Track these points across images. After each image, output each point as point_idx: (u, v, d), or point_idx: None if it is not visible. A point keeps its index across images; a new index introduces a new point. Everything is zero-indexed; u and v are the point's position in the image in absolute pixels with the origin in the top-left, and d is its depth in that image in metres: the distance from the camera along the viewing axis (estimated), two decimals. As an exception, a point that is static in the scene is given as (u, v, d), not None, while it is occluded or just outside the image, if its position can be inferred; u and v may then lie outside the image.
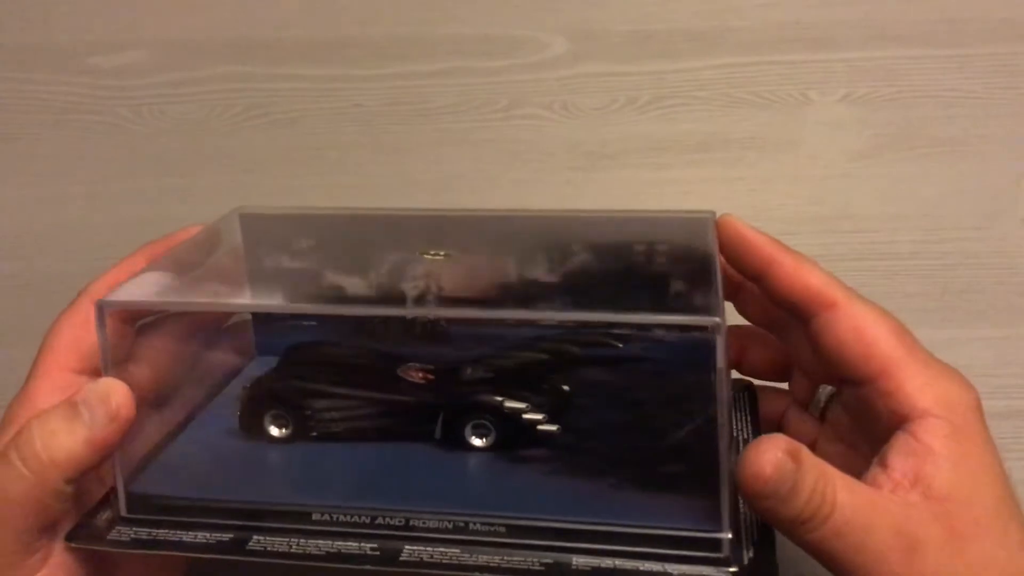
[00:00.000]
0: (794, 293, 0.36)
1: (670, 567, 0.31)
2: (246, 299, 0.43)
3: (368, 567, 0.32)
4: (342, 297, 0.41)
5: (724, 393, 0.31)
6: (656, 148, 0.52)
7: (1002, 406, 0.49)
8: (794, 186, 0.52)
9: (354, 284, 0.41)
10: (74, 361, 0.38)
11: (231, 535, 0.34)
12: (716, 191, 0.52)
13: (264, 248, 0.43)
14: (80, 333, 0.38)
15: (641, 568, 0.31)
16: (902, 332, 0.35)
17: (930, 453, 0.32)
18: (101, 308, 0.35)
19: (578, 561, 0.31)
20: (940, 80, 0.52)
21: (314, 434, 0.39)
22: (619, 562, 0.31)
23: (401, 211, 0.47)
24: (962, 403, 0.34)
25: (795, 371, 0.41)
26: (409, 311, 0.39)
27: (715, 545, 0.31)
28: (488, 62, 0.52)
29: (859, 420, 0.37)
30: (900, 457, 0.33)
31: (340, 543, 0.33)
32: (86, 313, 0.38)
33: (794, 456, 0.31)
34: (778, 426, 0.41)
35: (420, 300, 0.39)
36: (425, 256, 0.41)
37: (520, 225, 0.44)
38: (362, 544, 0.33)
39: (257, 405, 0.39)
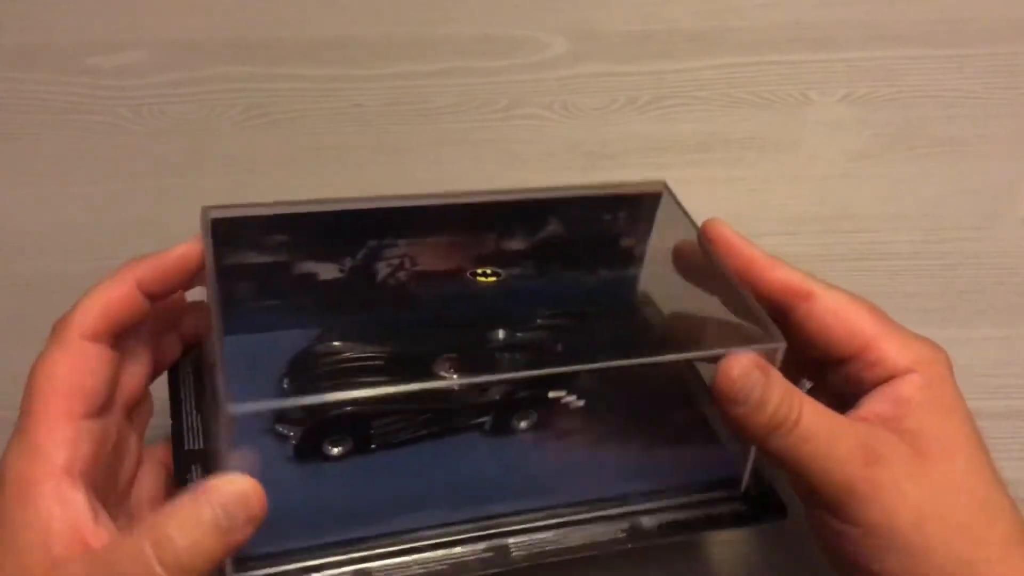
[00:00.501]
0: (775, 288, 0.39)
1: (712, 510, 0.37)
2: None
3: (493, 570, 0.35)
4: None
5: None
6: (656, 148, 0.52)
7: (1002, 406, 0.49)
8: (794, 186, 0.52)
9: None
10: (79, 407, 0.35)
11: (351, 571, 0.34)
12: (716, 191, 0.52)
13: (239, 254, 0.42)
14: (78, 375, 0.35)
15: (692, 516, 0.37)
16: (876, 310, 0.38)
17: (903, 398, 0.36)
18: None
19: (646, 521, 0.36)
20: (940, 80, 0.52)
21: (373, 447, 0.38)
22: (676, 515, 0.37)
23: (358, 200, 0.45)
24: (936, 360, 0.37)
25: None
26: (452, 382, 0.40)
27: (736, 483, 0.37)
28: (488, 62, 0.52)
29: (839, 404, 0.38)
30: (874, 402, 0.37)
31: (455, 550, 0.35)
32: (79, 350, 0.35)
33: (762, 368, 0.34)
34: None
35: (393, 276, 0.41)
36: (479, 279, 0.43)
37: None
38: (474, 546, 0.35)
39: (319, 431, 0.37)
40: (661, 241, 0.45)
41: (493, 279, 0.43)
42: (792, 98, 0.52)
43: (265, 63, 0.52)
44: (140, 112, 0.52)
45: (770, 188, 0.52)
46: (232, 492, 0.31)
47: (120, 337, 0.37)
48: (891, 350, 0.37)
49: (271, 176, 0.52)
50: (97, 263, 0.52)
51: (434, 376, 0.40)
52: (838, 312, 0.38)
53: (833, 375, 0.39)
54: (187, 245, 0.38)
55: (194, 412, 0.40)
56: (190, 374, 0.41)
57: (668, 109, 0.52)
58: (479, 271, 0.43)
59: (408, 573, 0.34)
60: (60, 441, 0.34)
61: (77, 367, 0.35)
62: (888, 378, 0.37)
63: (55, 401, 0.35)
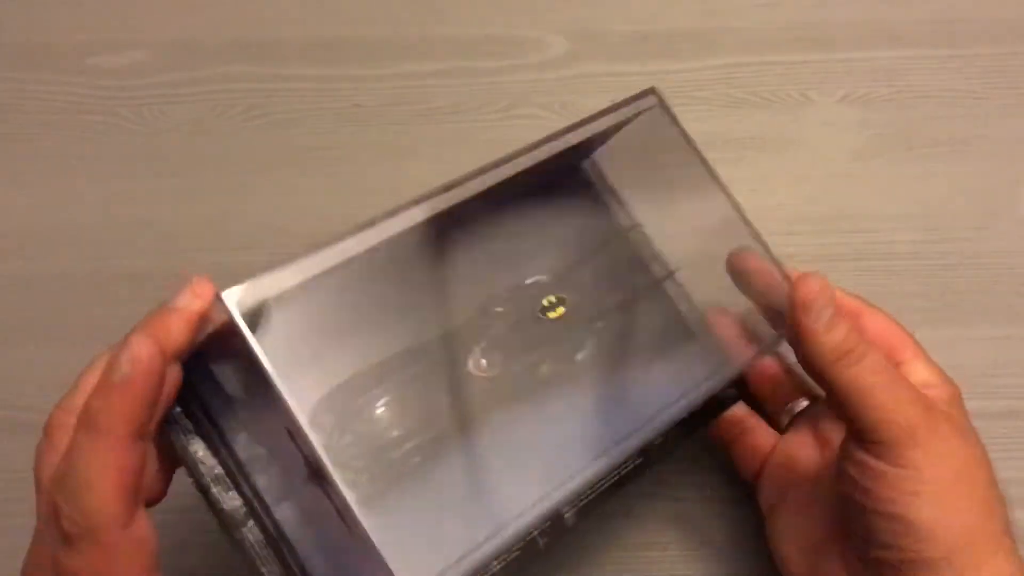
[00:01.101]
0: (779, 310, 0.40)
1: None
2: None
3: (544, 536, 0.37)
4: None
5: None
6: (656, 148, 0.52)
7: (1002, 406, 0.49)
8: (794, 186, 0.52)
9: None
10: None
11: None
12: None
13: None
14: (131, 475, 0.33)
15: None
16: (910, 335, 0.41)
17: (940, 399, 0.39)
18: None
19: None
20: (940, 80, 0.52)
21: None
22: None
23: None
24: (954, 386, 0.40)
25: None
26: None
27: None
28: (488, 62, 0.52)
29: (826, 428, 0.43)
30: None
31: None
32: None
33: (833, 298, 0.37)
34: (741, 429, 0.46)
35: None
36: (547, 315, 0.42)
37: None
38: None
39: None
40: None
41: (562, 311, 0.42)
42: (792, 98, 0.52)
43: (265, 63, 0.52)
44: (140, 112, 0.52)
45: (770, 188, 0.52)
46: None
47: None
48: (922, 369, 0.40)
49: (271, 176, 0.52)
50: (97, 263, 0.52)
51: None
52: (880, 330, 0.41)
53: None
54: (202, 302, 0.34)
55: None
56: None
57: (668, 109, 0.52)
58: (545, 303, 0.42)
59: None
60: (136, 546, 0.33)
61: (127, 466, 0.33)
62: (921, 387, 0.39)
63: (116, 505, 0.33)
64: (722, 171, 0.48)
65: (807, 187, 0.52)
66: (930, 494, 0.36)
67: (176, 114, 0.52)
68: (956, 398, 0.40)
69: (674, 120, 0.41)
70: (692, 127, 0.52)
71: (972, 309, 0.51)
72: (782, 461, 0.44)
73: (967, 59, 0.51)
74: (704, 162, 0.41)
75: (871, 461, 0.37)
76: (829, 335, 0.36)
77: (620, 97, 0.50)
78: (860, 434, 0.37)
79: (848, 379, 0.36)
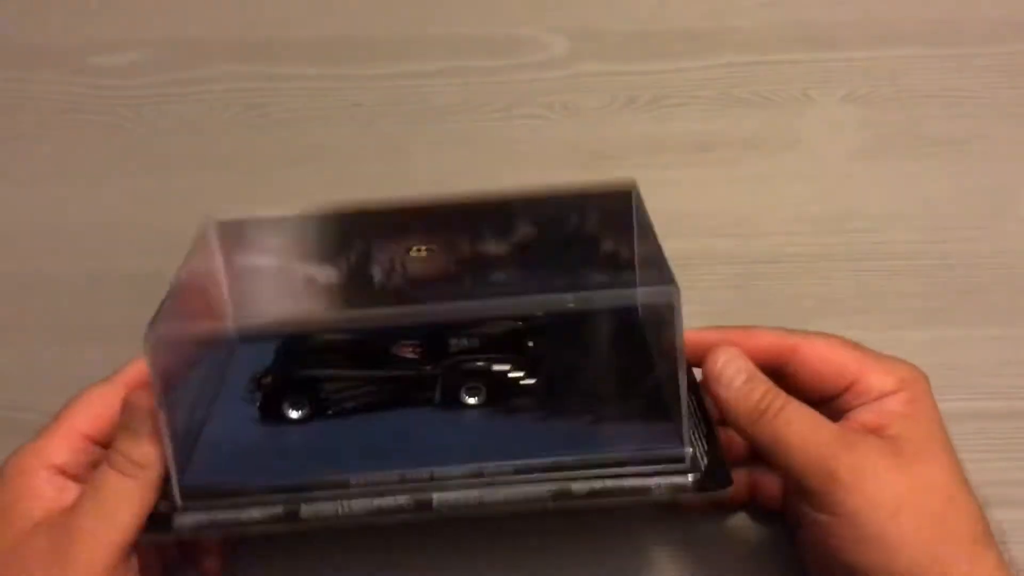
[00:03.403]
0: (761, 352, 0.41)
1: (649, 480, 0.38)
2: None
3: (408, 516, 0.38)
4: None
5: (680, 339, 0.37)
6: (656, 148, 0.52)
7: (1002, 406, 0.49)
8: (794, 186, 0.52)
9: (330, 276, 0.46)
10: (94, 432, 0.40)
11: (281, 508, 0.38)
12: (716, 191, 0.51)
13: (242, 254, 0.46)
14: (108, 409, 0.40)
15: (626, 484, 0.38)
16: (853, 344, 0.41)
17: (887, 410, 0.39)
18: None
19: (576, 487, 0.38)
20: (940, 80, 0.52)
21: (330, 412, 0.43)
22: (609, 483, 0.38)
23: (362, 204, 0.48)
24: (917, 379, 0.39)
25: None
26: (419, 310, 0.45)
27: (679, 459, 0.38)
28: (488, 62, 0.52)
29: None
30: (860, 414, 0.39)
31: (378, 501, 0.38)
32: (120, 393, 0.40)
33: (747, 363, 0.39)
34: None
35: (388, 280, 0.46)
36: (411, 253, 0.46)
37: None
38: (397, 498, 0.38)
39: (277, 393, 0.43)
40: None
41: (425, 253, 0.46)
42: (792, 98, 0.52)
43: (265, 63, 0.52)
44: (140, 112, 0.52)
45: (770, 188, 0.52)
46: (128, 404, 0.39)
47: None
48: (876, 377, 0.39)
49: (271, 176, 0.52)
50: (97, 263, 0.52)
51: (392, 357, 0.45)
52: (822, 356, 0.41)
53: (827, 410, 0.41)
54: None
55: None
56: None
57: (668, 109, 0.52)
58: (414, 248, 0.46)
59: (333, 513, 0.38)
60: (66, 448, 0.40)
61: (109, 403, 0.40)
62: (873, 402, 0.40)
63: (78, 420, 0.40)
64: (722, 171, 0.48)
65: (807, 187, 0.52)
66: (872, 537, 0.36)
67: (176, 114, 0.52)
68: (915, 399, 0.39)
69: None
70: (692, 127, 0.52)
71: (972, 309, 0.51)
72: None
73: (967, 59, 0.51)
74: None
75: (812, 513, 0.37)
76: (746, 400, 0.38)
77: (620, 97, 0.50)
78: (795, 485, 0.38)
79: (768, 435, 0.38)
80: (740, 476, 0.45)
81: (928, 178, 0.51)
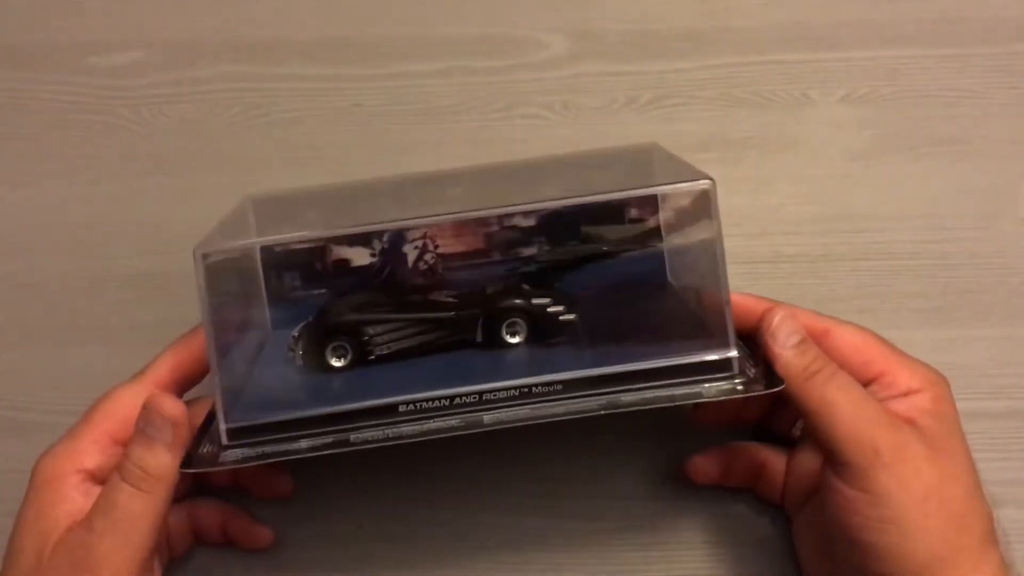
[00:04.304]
0: None
1: (698, 387, 0.39)
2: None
3: (458, 434, 0.37)
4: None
5: (721, 245, 0.38)
6: (656, 148, 0.52)
7: (1002, 406, 0.49)
8: (794, 186, 0.52)
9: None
10: (126, 436, 0.40)
11: (331, 438, 0.38)
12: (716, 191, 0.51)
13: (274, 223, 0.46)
14: (136, 411, 0.40)
15: (676, 393, 0.38)
16: (883, 340, 0.42)
17: (916, 406, 0.40)
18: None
19: (625, 398, 0.38)
20: (940, 80, 0.52)
21: (372, 358, 0.43)
22: (658, 392, 0.38)
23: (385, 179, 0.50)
24: (940, 382, 0.41)
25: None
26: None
27: (727, 365, 0.39)
28: (488, 62, 0.52)
29: None
30: (891, 404, 0.40)
31: (428, 424, 0.38)
32: (147, 392, 0.40)
33: (802, 329, 0.40)
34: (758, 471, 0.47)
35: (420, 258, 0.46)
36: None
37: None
38: (447, 420, 0.38)
39: (319, 339, 0.43)
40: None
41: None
42: (792, 98, 0.52)
43: (265, 63, 0.52)
44: (140, 112, 0.52)
45: (770, 188, 0.52)
46: (147, 409, 0.39)
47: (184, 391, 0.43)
48: (904, 374, 0.41)
49: (271, 176, 0.52)
50: (97, 263, 0.52)
51: (431, 303, 0.45)
52: (853, 344, 0.41)
53: None
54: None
55: None
56: None
57: (668, 109, 0.52)
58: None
59: (382, 436, 0.38)
60: (97, 452, 0.40)
61: (137, 405, 0.40)
62: (901, 396, 0.40)
63: (107, 423, 0.41)
64: (722, 171, 0.48)
65: (807, 187, 0.52)
66: (897, 520, 0.37)
67: (175, 114, 0.52)
68: (940, 399, 0.40)
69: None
70: (692, 127, 0.52)
71: (972, 309, 0.51)
72: (797, 476, 0.45)
73: (967, 59, 0.51)
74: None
75: (843, 487, 0.38)
76: (800, 357, 0.39)
77: (620, 97, 0.50)
78: (831, 456, 0.39)
79: (817, 398, 0.38)
80: (751, 455, 0.46)
81: (928, 178, 0.52)
